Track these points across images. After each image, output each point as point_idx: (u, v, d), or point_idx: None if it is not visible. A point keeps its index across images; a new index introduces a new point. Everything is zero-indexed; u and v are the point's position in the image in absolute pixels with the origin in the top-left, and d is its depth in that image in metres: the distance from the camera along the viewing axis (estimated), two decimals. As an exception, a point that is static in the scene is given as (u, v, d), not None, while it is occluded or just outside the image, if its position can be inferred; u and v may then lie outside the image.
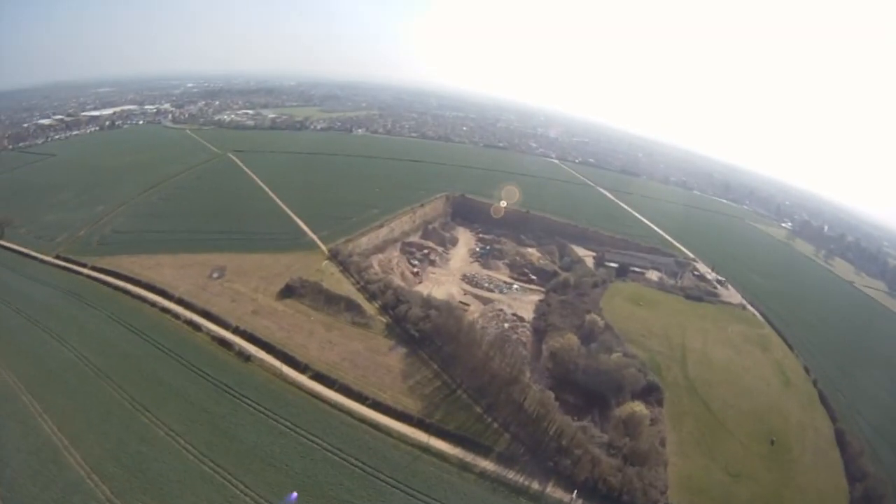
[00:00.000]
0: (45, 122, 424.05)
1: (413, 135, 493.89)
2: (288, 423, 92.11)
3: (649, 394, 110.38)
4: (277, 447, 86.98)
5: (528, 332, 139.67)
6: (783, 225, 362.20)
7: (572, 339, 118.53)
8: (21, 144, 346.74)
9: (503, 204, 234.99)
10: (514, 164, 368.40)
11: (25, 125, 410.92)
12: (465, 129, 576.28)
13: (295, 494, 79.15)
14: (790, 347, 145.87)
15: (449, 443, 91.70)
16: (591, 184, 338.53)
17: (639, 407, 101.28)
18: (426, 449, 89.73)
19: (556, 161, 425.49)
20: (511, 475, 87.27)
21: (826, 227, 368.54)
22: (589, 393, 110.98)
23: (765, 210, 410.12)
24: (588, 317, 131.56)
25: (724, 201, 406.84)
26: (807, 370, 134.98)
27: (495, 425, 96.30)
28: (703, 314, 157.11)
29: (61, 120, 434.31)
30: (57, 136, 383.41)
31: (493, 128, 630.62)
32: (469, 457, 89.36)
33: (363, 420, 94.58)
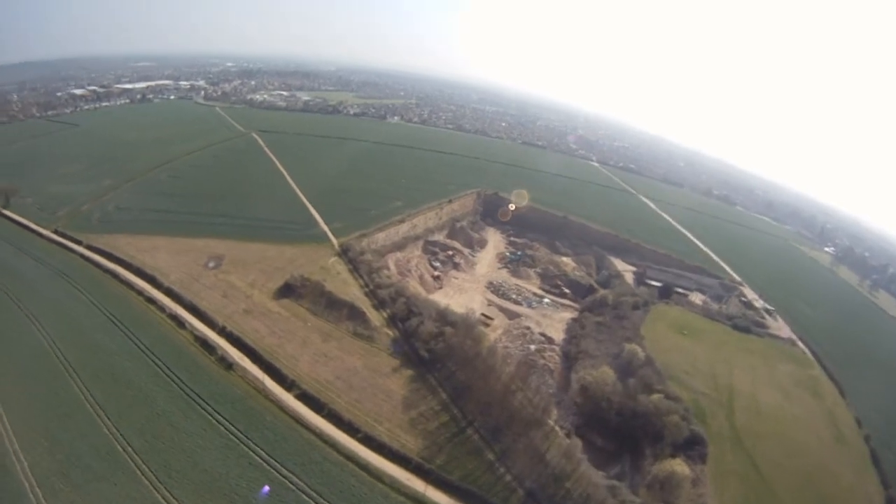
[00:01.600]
0: (78, 91, 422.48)
1: (449, 126, 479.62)
2: (262, 453, 77.70)
3: (691, 447, 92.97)
4: (245, 481, 72.95)
5: (556, 357, 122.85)
6: (826, 249, 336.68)
7: (607, 374, 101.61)
8: (49, 113, 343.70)
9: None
10: (553, 164, 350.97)
11: (59, 94, 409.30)
12: (503, 124, 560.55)
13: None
14: (842, 394, 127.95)
15: (450, 496, 75.87)
16: (633, 191, 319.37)
17: (680, 466, 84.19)
18: (421, 502, 74.23)
19: (596, 164, 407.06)
20: (521, 547, 71.40)
21: (868, 255, 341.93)
22: (621, 436, 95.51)
23: (808, 232, 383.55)
24: (627, 346, 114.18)
25: (767, 220, 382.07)
26: (858, 423, 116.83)
27: (508, 478, 79.55)
28: (752, 349, 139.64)
29: (94, 91, 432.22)
30: (86, 107, 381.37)
31: (532, 125, 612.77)
32: (472, 516, 73.52)
33: (351, 457, 79.09)
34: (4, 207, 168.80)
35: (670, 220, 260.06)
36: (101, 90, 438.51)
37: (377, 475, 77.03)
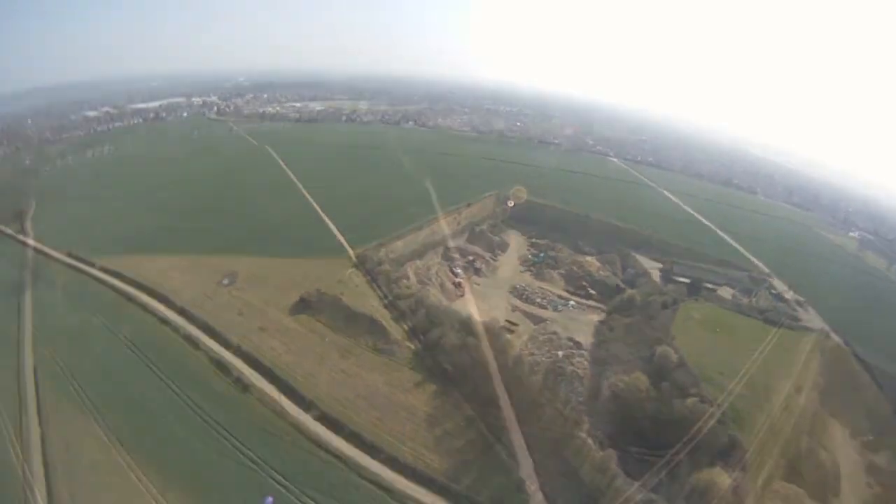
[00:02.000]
0: (91, 114, 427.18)
1: (464, 129, 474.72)
2: (280, 479, 74.67)
3: (730, 453, 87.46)
4: (263, 510, 69.51)
5: (585, 363, 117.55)
6: (851, 234, 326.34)
7: (640, 380, 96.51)
8: (63, 136, 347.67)
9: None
10: (571, 161, 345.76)
11: (72, 117, 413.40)
12: (518, 124, 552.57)
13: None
14: (879, 387, 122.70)
15: (480, 520, 71.56)
16: (653, 184, 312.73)
17: (720, 476, 79.18)
18: (450, 528, 69.97)
19: (614, 159, 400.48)
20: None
21: (893, 238, 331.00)
22: (656, 444, 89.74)
23: (831, 217, 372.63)
24: (659, 349, 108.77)
25: (789, 206, 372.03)
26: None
27: (539, 497, 75.15)
28: (786, 344, 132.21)
29: (107, 112, 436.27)
30: (100, 128, 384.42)
31: (548, 124, 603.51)
32: (503, 541, 69.04)
33: (373, 481, 75.31)
34: (18, 232, 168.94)
35: (692, 212, 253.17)
36: (115, 111, 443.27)
37: (401, 498, 73.41)
